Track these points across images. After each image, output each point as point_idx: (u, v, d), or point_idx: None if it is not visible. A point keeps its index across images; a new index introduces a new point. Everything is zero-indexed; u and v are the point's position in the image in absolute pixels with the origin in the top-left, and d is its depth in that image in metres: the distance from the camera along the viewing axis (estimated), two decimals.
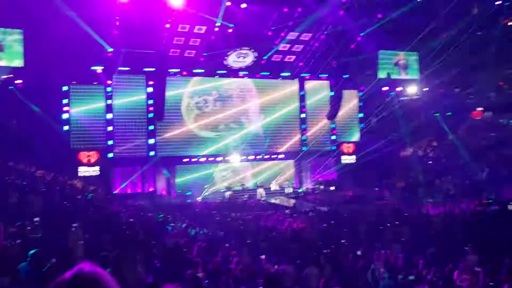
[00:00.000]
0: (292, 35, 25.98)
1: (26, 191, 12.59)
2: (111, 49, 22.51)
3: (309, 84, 30.11)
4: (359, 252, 11.94)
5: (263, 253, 11.03)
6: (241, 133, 28.22)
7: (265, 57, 26.96)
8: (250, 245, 11.98)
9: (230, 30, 23.98)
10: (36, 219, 8.02)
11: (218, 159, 27.53)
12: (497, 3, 24.22)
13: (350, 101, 30.46)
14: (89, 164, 23.71)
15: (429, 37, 25.54)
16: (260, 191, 26.86)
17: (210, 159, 27.34)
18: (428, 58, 27.11)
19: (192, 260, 8.51)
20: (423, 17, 23.67)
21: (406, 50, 28.45)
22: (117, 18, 21.22)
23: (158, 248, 9.87)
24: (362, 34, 25.80)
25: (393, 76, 27.74)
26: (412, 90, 28.46)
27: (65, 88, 23.67)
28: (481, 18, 24.69)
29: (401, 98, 30.33)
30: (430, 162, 27.05)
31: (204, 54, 25.46)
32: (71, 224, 7.12)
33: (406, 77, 28.79)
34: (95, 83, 24.21)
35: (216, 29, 23.79)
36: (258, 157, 28.55)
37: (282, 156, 29.28)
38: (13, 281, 5.14)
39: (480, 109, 30.10)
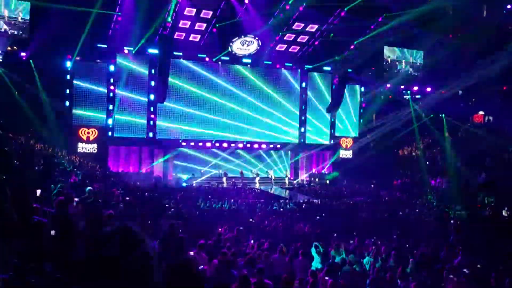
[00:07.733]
0: (297, 26, 25.79)
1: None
2: (119, 13, 22.25)
3: (312, 76, 29.95)
4: (351, 241, 12.15)
5: (255, 240, 11.14)
6: (239, 121, 28.17)
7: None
8: (242, 232, 12.05)
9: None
10: None
11: (216, 144, 27.50)
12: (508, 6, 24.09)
13: (352, 96, 30.35)
14: (88, 141, 23.76)
15: (434, 37, 25.47)
16: (256, 179, 26.96)
17: (208, 144, 27.31)
18: (432, 58, 27.07)
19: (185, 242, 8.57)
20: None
21: (412, 48, 28.41)
22: None
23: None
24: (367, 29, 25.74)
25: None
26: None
27: (68, 63, 23.58)
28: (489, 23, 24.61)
29: (405, 97, 30.30)
30: (428, 162, 27.07)
31: (208, 36, 25.28)
32: None
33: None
34: (99, 60, 24.12)
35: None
36: (255, 146, 28.50)
37: (279, 146, 29.21)
38: None
39: (481, 112, 30.06)
